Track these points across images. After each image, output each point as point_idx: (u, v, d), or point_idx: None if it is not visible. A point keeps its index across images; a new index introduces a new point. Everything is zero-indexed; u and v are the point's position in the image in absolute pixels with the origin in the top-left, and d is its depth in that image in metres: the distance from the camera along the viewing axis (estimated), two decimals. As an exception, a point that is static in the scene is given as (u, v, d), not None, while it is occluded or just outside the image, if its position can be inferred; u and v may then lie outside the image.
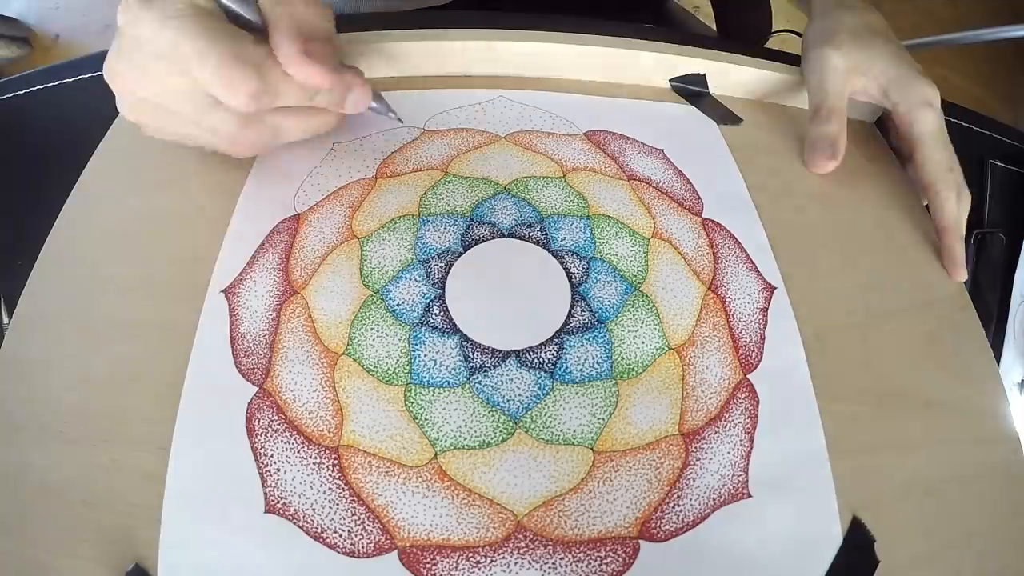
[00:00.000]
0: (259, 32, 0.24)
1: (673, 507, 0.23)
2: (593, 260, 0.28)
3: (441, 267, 0.27)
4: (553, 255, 0.28)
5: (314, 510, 0.22)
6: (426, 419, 0.24)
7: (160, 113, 0.25)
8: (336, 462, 0.23)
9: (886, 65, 0.33)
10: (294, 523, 0.22)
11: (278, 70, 0.24)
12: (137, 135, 0.32)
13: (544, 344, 0.26)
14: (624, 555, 0.22)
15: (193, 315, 0.25)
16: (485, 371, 0.25)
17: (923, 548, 0.24)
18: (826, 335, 0.28)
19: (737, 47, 0.36)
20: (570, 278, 0.27)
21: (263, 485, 0.22)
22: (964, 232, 0.31)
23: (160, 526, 0.21)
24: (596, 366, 0.25)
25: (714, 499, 0.23)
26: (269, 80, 0.23)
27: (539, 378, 0.25)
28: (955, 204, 0.31)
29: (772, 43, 0.42)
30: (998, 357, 0.32)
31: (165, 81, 0.23)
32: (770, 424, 0.25)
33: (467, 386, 0.24)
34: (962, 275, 0.31)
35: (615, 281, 0.27)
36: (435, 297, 0.26)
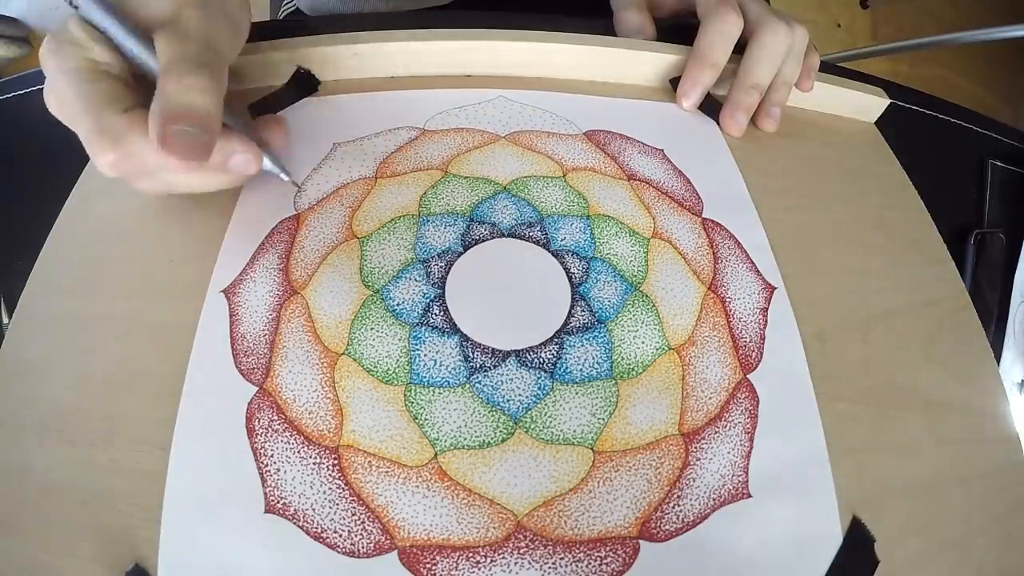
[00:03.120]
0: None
1: (673, 507, 0.23)
2: (593, 260, 0.28)
3: (441, 267, 0.27)
4: (553, 255, 0.28)
5: (314, 510, 0.22)
6: (426, 419, 0.24)
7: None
8: (336, 462, 0.23)
9: None
10: (294, 523, 0.22)
11: (142, 142, 0.23)
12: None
13: (544, 344, 0.26)
14: (624, 555, 0.22)
15: (193, 315, 0.25)
16: (485, 371, 0.25)
17: (923, 548, 0.24)
18: (826, 335, 0.28)
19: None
20: (570, 278, 0.27)
21: (263, 485, 0.22)
22: (713, 61, 0.33)
23: (160, 526, 0.21)
24: (596, 366, 0.25)
25: (714, 499, 0.23)
26: (131, 152, 0.23)
27: (539, 378, 0.25)
28: (714, 33, 0.32)
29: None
30: (998, 357, 0.32)
31: (68, 121, 0.24)
32: (770, 424, 0.25)
33: (467, 386, 0.24)
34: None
35: (615, 281, 0.27)
36: (435, 297, 0.26)
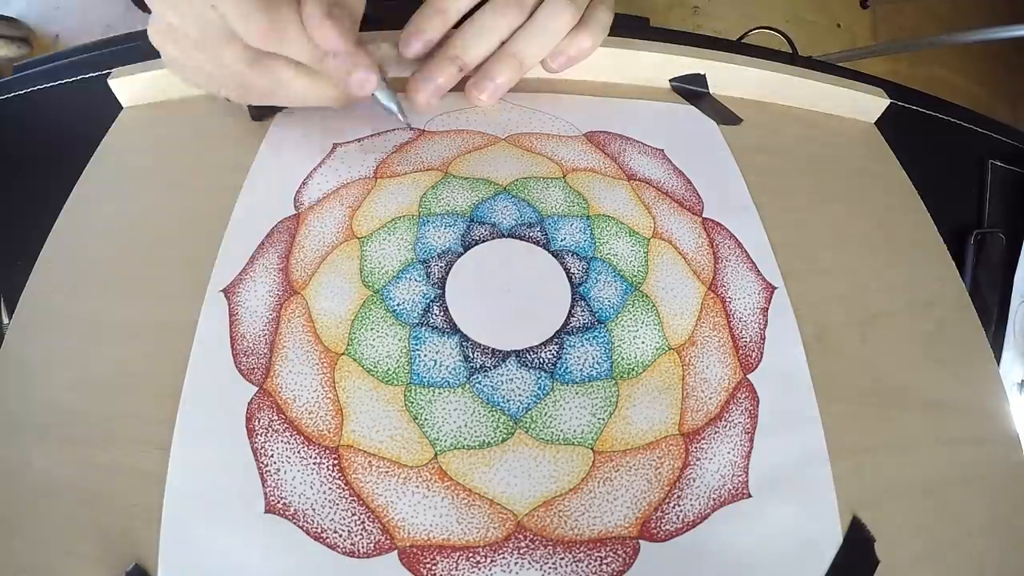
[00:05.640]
0: None
1: (673, 507, 0.23)
2: (593, 260, 0.28)
3: (441, 267, 0.27)
4: (553, 255, 0.28)
5: (314, 510, 0.22)
6: (426, 419, 0.24)
7: (183, 42, 0.26)
8: (336, 462, 0.23)
9: None
10: (294, 523, 0.22)
11: (295, 17, 0.24)
12: (137, 135, 0.32)
13: (544, 344, 0.26)
14: (624, 555, 0.22)
15: (193, 315, 0.25)
16: (485, 371, 0.25)
17: (923, 548, 0.24)
18: (826, 335, 0.28)
19: (736, 47, 0.36)
20: (570, 278, 0.27)
21: (263, 485, 0.22)
22: (443, 8, 0.29)
23: (160, 526, 0.21)
24: (596, 366, 0.25)
25: (714, 499, 0.23)
26: (282, 22, 0.24)
27: (539, 378, 0.25)
28: None
29: (771, 43, 0.42)
30: (998, 357, 0.32)
31: (194, 8, 0.24)
32: (770, 424, 0.25)
33: (467, 386, 0.24)
34: (404, 52, 0.30)
35: (615, 281, 0.28)
36: (435, 297, 0.26)
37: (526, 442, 0.23)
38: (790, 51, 0.41)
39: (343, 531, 0.22)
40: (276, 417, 0.23)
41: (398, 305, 0.26)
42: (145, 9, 0.27)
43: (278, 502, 0.22)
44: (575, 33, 0.31)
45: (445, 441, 0.23)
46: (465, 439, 0.23)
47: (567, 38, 0.31)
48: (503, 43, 0.30)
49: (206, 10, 0.24)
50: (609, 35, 0.33)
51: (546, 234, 0.28)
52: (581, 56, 0.32)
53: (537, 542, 0.22)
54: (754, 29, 0.44)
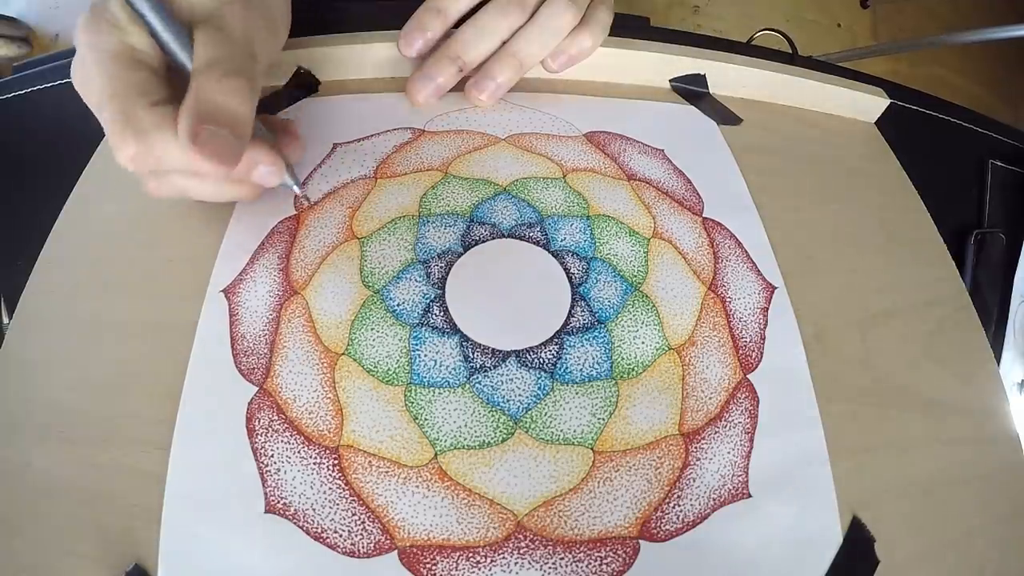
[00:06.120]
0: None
1: (673, 507, 0.23)
2: (593, 260, 0.28)
3: (441, 267, 0.27)
4: (553, 255, 0.28)
5: (314, 510, 0.22)
6: (426, 419, 0.24)
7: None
8: (336, 462, 0.23)
9: None
10: (294, 523, 0.22)
11: (165, 140, 0.22)
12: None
13: (544, 344, 0.26)
14: (624, 555, 0.22)
15: (193, 315, 0.25)
16: (485, 371, 0.25)
17: (923, 548, 0.24)
18: (826, 335, 0.28)
19: (736, 47, 0.36)
20: (570, 278, 0.27)
21: (263, 485, 0.22)
22: (442, 7, 0.29)
23: (160, 526, 0.21)
24: (596, 366, 0.25)
25: (714, 499, 0.23)
26: (153, 148, 0.22)
27: (539, 378, 0.25)
28: None
29: (771, 43, 0.42)
30: (998, 357, 0.32)
31: (93, 103, 0.23)
32: (770, 424, 0.25)
33: (467, 386, 0.24)
34: (404, 51, 0.29)
35: (615, 281, 0.28)
36: (435, 297, 0.26)
37: (526, 442, 0.23)
38: (790, 51, 0.40)
39: (343, 531, 0.22)
40: (276, 417, 0.23)
41: (398, 305, 0.26)
42: None
43: (278, 502, 0.22)
44: (576, 33, 0.31)
45: (445, 441, 0.23)
46: (465, 439, 0.23)
47: (568, 38, 0.31)
48: (503, 43, 0.30)
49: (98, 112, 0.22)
50: (609, 35, 0.33)
51: (546, 234, 0.28)
52: (582, 56, 0.32)
53: (537, 542, 0.22)
54: (760, 31, 0.44)
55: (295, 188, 0.27)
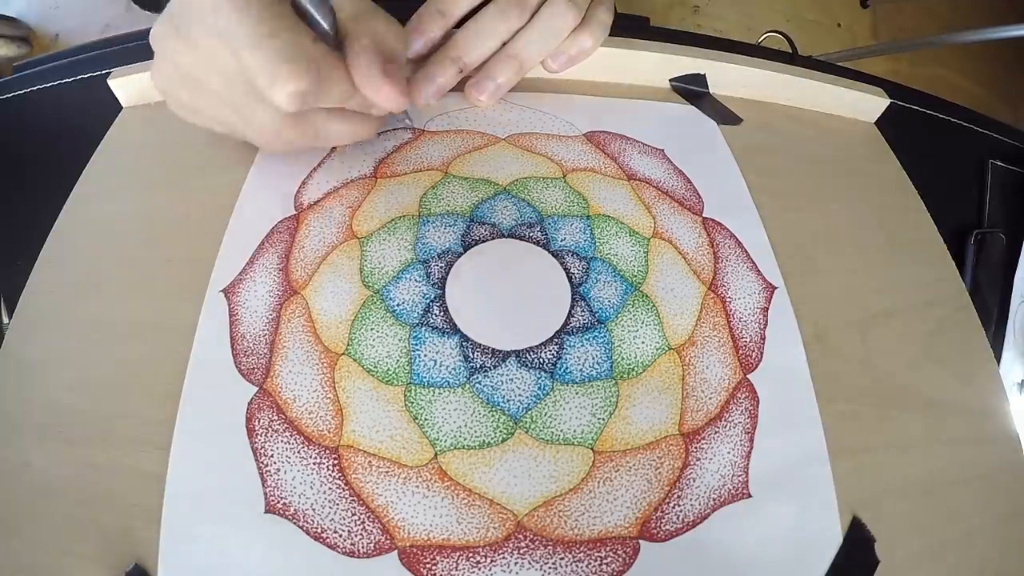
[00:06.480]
0: (328, 41, 0.23)
1: (673, 507, 0.23)
2: (593, 260, 0.28)
3: (441, 267, 0.27)
4: (553, 255, 0.28)
5: (314, 510, 0.22)
6: (426, 419, 0.24)
7: (197, 90, 0.24)
8: (336, 462, 0.23)
9: None
10: (294, 523, 0.22)
11: (335, 73, 0.23)
12: (137, 135, 0.32)
13: (544, 344, 0.26)
14: (624, 555, 0.22)
15: (193, 315, 0.25)
16: (485, 371, 0.25)
17: (923, 548, 0.24)
18: (826, 335, 0.28)
19: (736, 47, 0.36)
20: (570, 278, 0.27)
21: (263, 485, 0.22)
22: (443, 8, 0.29)
23: (160, 526, 0.21)
24: (596, 366, 0.25)
25: (714, 499, 0.23)
26: (322, 80, 0.22)
27: (539, 378, 0.25)
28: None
29: (770, 43, 0.42)
30: (998, 357, 0.32)
31: (214, 58, 0.22)
32: (770, 424, 0.25)
33: (467, 386, 0.24)
34: (409, 50, 0.29)
35: (615, 281, 0.27)
36: (435, 297, 0.26)
37: (526, 442, 0.23)
38: (790, 51, 0.40)
39: (343, 531, 0.22)
40: (276, 417, 0.23)
41: (398, 305, 0.26)
42: (146, 8, 0.26)
43: (278, 502, 0.22)
44: (576, 33, 0.31)
45: (445, 441, 0.23)
46: (465, 439, 0.23)
47: (568, 39, 0.31)
48: (504, 44, 0.30)
49: (228, 63, 0.22)
50: (609, 35, 0.33)
51: (546, 234, 0.28)
52: (582, 56, 0.32)
53: (537, 542, 0.22)
54: (766, 33, 0.44)
55: (407, 119, 0.30)
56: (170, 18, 0.23)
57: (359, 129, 0.27)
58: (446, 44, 0.30)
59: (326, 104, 0.24)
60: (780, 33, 0.42)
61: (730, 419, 0.25)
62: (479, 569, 0.21)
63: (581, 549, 0.22)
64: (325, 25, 0.23)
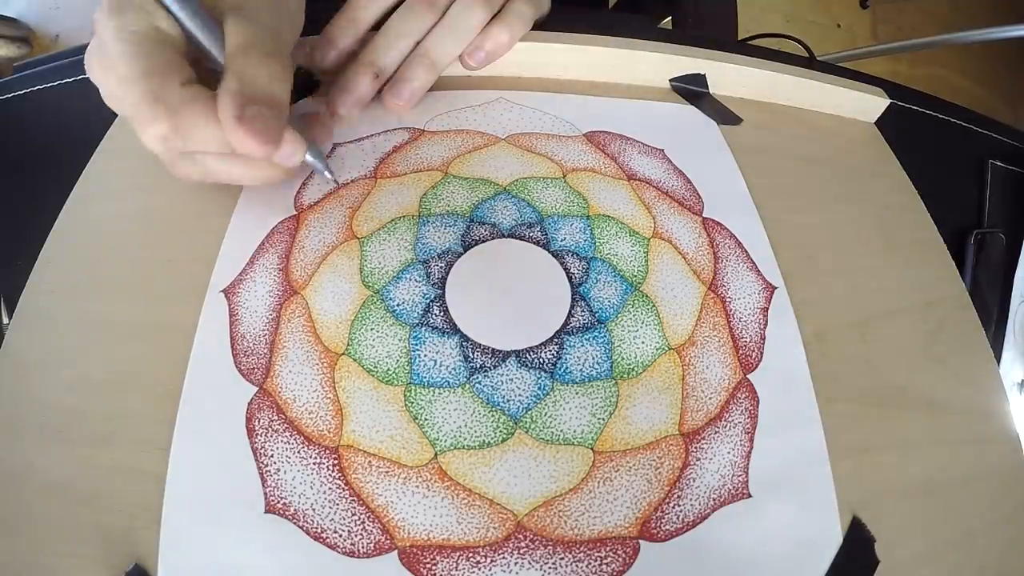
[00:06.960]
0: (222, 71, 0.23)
1: (673, 507, 0.23)
2: (593, 260, 0.28)
3: (441, 267, 0.27)
4: (553, 255, 0.28)
5: (314, 510, 0.22)
6: (426, 419, 0.24)
7: (115, 101, 0.24)
8: (336, 462, 0.23)
9: None
10: (294, 523, 0.22)
11: (197, 118, 0.22)
12: (137, 135, 0.32)
13: (544, 344, 0.26)
14: (624, 555, 0.22)
15: (193, 315, 0.25)
16: (485, 371, 0.25)
17: (923, 547, 0.24)
18: (826, 335, 0.28)
19: (736, 47, 0.36)
20: (570, 278, 0.27)
21: (263, 485, 0.22)
22: (354, 17, 0.29)
23: (160, 526, 0.21)
24: (596, 366, 0.25)
25: (714, 499, 0.23)
26: (184, 125, 0.22)
27: (539, 378, 0.25)
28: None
29: (770, 43, 0.42)
30: (998, 357, 0.32)
31: (114, 87, 0.23)
32: (770, 424, 0.25)
33: (467, 386, 0.24)
34: (320, 64, 0.29)
35: (615, 281, 0.28)
36: (435, 297, 0.26)
37: (526, 442, 0.23)
38: (807, 55, 0.40)
39: (343, 531, 0.22)
40: (276, 417, 0.23)
41: (398, 305, 0.26)
42: None
43: (278, 502, 0.22)
44: (490, 28, 0.31)
45: (445, 441, 0.23)
46: (465, 439, 0.23)
47: (482, 34, 0.31)
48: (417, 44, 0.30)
49: (116, 89, 0.22)
50: (609, 35, 0.33)
51: (546, 234, 0.28)
52: (499, 51, 0.31)
53: (537, 542, 0.22)
54: (772, 35, 0.44)
55: (324, 172, 0.28)
56: (93, 45, 0.24)
57: (255, 174, 0.26)
58: (360, 52, 0.30)
59: (197, 148, 0.24)
60: (792, 38, 0.42)
61: (730, 419, 0.25)
62: (479, 569, 0.21)
63: (581, 549, 0.22)
64: (217, 58, 0.23)
